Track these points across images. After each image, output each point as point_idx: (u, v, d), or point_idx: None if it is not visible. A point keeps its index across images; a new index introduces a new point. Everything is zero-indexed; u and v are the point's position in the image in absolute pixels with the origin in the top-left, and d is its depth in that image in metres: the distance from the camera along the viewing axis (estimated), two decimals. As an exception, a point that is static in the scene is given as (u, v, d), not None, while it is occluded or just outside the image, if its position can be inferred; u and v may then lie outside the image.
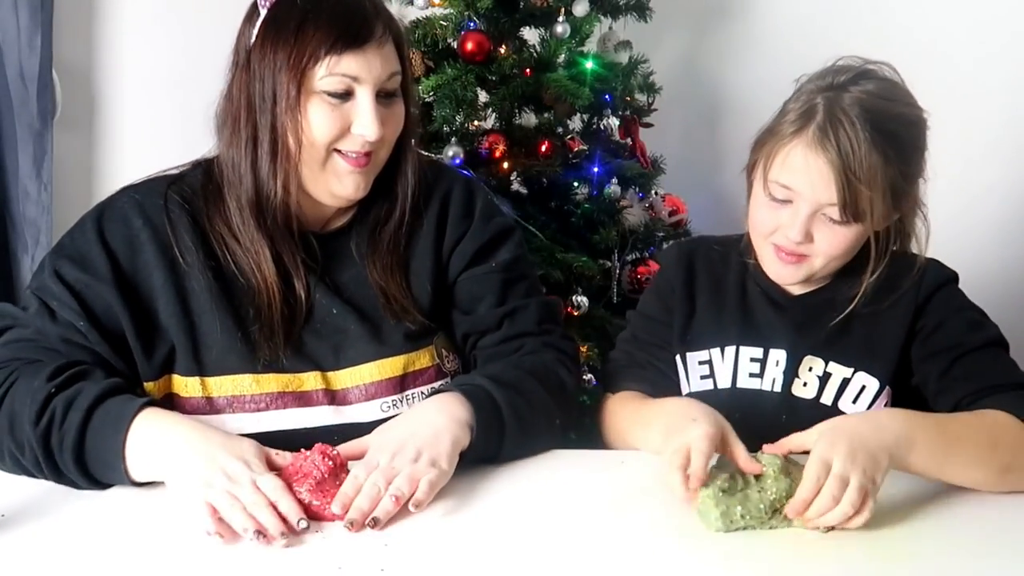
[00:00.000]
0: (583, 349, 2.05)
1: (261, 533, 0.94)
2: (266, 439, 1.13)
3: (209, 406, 1.17)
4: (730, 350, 1.28)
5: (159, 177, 1.23)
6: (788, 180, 1.17)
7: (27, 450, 1.05)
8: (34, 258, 2.11)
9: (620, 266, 2.13)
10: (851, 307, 1.23)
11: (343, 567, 0.92)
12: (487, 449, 1.12)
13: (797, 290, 1.28)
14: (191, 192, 1.21)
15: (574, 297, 2.03)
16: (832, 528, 0.97)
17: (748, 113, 2.43)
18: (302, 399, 1.19)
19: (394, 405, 1.22)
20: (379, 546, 0.96)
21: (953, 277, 1.27)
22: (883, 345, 1.23)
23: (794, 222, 1.17)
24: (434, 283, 1.27)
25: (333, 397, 1.20)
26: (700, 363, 1.30)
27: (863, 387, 1.23)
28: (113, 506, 1.04)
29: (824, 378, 1.24)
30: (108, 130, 2.28)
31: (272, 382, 1.18)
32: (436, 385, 1.24)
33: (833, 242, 1.18)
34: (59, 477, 1.05)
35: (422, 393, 1.23)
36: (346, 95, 1.14)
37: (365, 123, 1.14)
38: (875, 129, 1.13)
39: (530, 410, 1.16)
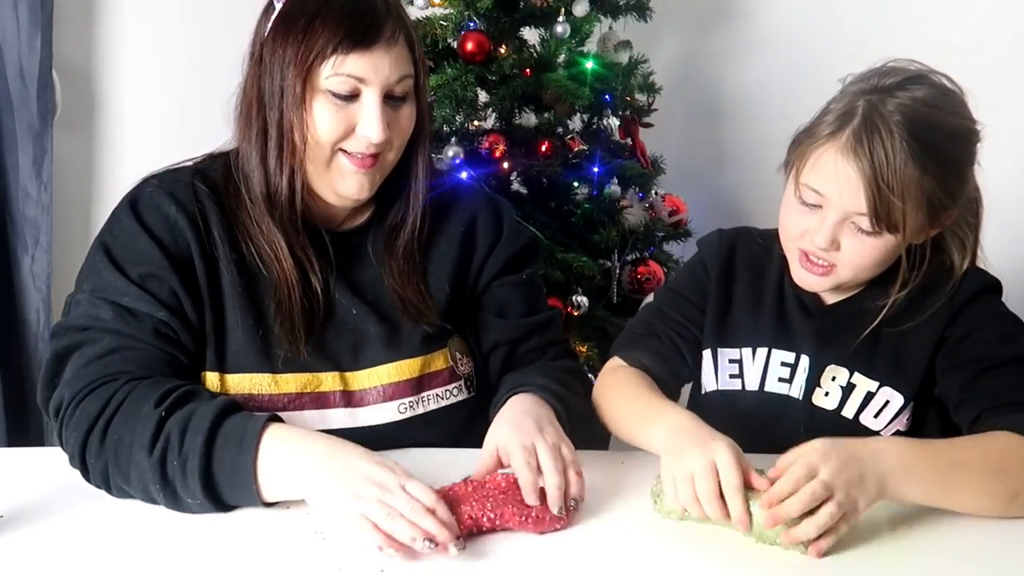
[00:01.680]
0: (583, 349, 2.05)
1: (431, 540, 0.91)
2: None
3: None
4: (762, 352, 1.26)
5: (182, 168, 1.22)
6: (818, 184, 1.12)
7: (135, 479, 1.02)
8: (34, 258, 2.11)
9: (620, 266, 2.13)
10: (878, 320, 1.18)
11: (343, 568, 0.92)
12: None
13: (830, 298, 1.24)
14: (214, 184, 1.20)
15: (574, 297, 2.03)
16: (794, 543, 0.94)
17: (748, 113, 2.48)
18: (319, 400, 1.19)
19: (411, 407, 1.22)
20: (379, 547, 0.95)
21: (993, 285, 1.20)
22: (912, 360, 1.19)
23: (821, 228, 1.12)
24: (454, 287, 1.27)
25: (350, 399, 1.20)
26: (731, 361, 1.28)
27: (887, 402, 1.19)
28: (113, 507, 1.04)
29: (848, 389, 1.21)
30: (108, 130, 2.27)
31: (291, 382, 1.18)
32: (451, 387, 1.25)
33: (860, 252, 1.13)
34: (176, 503, 1.02)
35: (437, 395, 1.24)
36: (352, 96, 1.13)
37: (370, 125, 1.12)
38: (914, 138, 1.07)
39: (579, 409, 1.22)
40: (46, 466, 1.12)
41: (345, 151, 1.15)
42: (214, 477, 1.00)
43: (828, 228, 1.12)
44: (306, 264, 1.18)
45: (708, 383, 1.31)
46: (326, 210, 1.22)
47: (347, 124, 1.13)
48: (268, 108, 1.14)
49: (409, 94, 1.17)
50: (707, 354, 1.30)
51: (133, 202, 1.17)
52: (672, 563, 0.96)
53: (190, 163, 1.24)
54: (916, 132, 1.07)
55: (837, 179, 1.10)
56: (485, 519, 0.97)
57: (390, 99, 1.15)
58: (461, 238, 1.28)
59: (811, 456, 0.96)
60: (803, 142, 1.15)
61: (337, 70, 1.11)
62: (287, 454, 1.00)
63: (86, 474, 1.06)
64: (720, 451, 0.99)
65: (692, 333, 1.31)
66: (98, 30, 2.24)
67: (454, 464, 1.16)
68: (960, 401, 1.14)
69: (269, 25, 1.15)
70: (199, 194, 1.18)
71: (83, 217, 2.21)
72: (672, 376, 1.29)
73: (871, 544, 0.99)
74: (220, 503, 1.01)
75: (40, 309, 2.13)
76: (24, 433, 2.15)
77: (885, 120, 1.08)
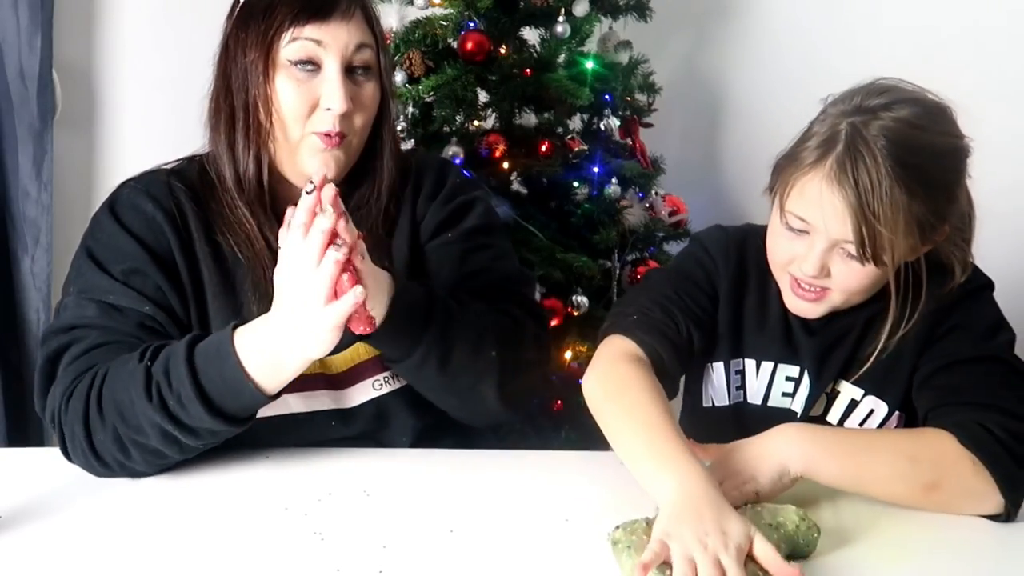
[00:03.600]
0: (583, 349, 2.05)
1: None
2: (266, 424, 1.15)
3: None
4: (767, 366, 1.24)
5: (157, 170, 1.25)
6: (804, 213, 1.09)
7: (148, 429, 1.05)
8: (34, 258, 2.11)
9: (620, 266, 2.12)
10: (882, 341, 1.15)
11: (341, 569, 0.92)
12: (408, 324, 1.10)
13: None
14: (190, 183, 1.23)
15: (574, 297, 2.03)
16: None
17: (748, 113, 2.48)
18: (302, 386, 1.19)
19: (385, 382, 1.24)
20: (378, 548, 0.96)
21: (983, 284, 1.18)
22: (898, 367, 1.17)
23: (809, 255, 1.10)
24: (411, 250, 1.28)
25: (330, 381, 1.22)
26: (736, 372, 1.26)
27: (871, 411, 1.19)
28: (111, 506, 1.05)
29: (832, 396, 1.21)
30: (108, 130, 2.27)
31: None
32: None
33: (851, 278, 1.11)
34: (193, 435, 1.05)
35: None
36: (312, 66, 1.15)
37: (332, 96, 1.14)
38: (900, 163, 1.04)
39: (461, 315, 1.14)
40: (46, 466, 1.12)
41: (313, 133, 1.16)
42: (210, 396, 1.03)
43: (817, 255, 1.09)
44: (275, 245, 1.19)
45: (720, 397, 1.27)
46: (295, 195, 1.22)
47: (310, 98, 1.15)
48: (235, 92, 1.18)
49: (371, 70, 1.19)
50: (719, 367, 1.26)
51: (112, 205, 1.21)
52: (671, 564, 0.95)
53: (166, 166, 1.26)
54: (902, 156, 1.04)
55: (823, 208, 1.07)
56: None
57: (351, 73, 1.17)
58: (411, 201, 1.29)
59: (663, 524, 0.91)
60: (786, 169, 1.11)
61: (295, 36, 1.14)
62: (259, 334, 1.03)
63: (97, 460, 1.07)
64: (728, 543, 0.88)
65: (706, 322, 1.22)
66: (98, 30, 2.23)
67: (449, 464, 1.16)
68: (917, 396, 1.14)
69: (233, 18, 1.19)
70: (175, 192, 1.21)
71: (83, 217, 2.17)
72: (679, 368, 1.20)
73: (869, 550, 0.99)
74: (230, 418, 1.04)
75: (40, 309, 2.13)
76: (24, 433, 2.15)
77: (869, 145, 1.04)
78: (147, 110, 2.26)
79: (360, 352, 1.22)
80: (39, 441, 2.16)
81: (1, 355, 2.13)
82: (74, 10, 2.18)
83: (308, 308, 0.98)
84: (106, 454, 1.07)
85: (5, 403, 2.12)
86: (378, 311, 1.06)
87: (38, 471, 1.12)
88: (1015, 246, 2.18)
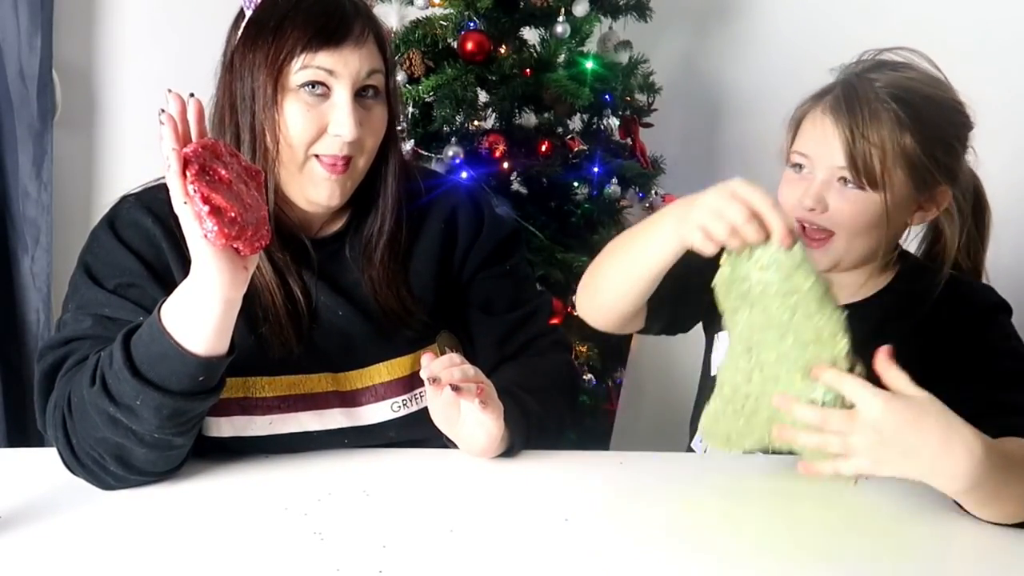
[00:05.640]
0: (583, 349, 2.05)
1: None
2: (277, 441, 1.15)
3: (221, 407, 1.15)
4: None
5: (157, 184, 1.22)
6: (804, 147, 1.17)
7: (97, 417, 1.02)
8: (34, 258, 2.12)
9: (620, 266, 2.12)
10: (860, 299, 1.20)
11: (341, 569, 0.92)
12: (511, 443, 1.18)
13: (840, 298, 1.21)
14: None
15: (574, 297, 2.03)
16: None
17: (748, 113, 2.48)
18: (314, 402, 1.19)
19: (404, 405, 1.23)
20: (378, 548, 0.96)
21: (1003, 306, 1.20)
22: (902, 362, 1.14)
23: (809, 189, 1.15)
24: (438, 282, 1.27)
25: (343, 399, 1.21)
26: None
27: None
28: (111, 507, 1.05)
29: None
30: (108, 130, 2.28)
31: (284, 385, 1.18)
32: None
33: (848, 210, 1.14)
34: (135, 418, 1.01)
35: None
36: (322, 90, 1.12)
37: (341, 122, 1.12)
38: (894, 99, 1.11)
39: (547, 419, 1.21)
40: (46, 466, 1.12)
41: (317, 156, 1.14)
42: (136, 361, 0.99)
43: (815, 187, 1.15)
44: (284, 269, 1.18)
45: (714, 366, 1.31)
46: (302, 217, 1.22)
47: (319, 124, 1.13)
48: (240, 113, 1.14)
49: (380, 94, 1.17)
50: (723, 336, 1.28)
51: (111, 220, 1.18)
52: (670, 563, 0.95)
53: (165, 180, 1.23)
54: (897, 95, 1.13)
55: (817, 135, 1.15)
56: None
57: (361, 97, 1.15)
58: (442, 233, 1.28)
59: (868, 414, 0.93)
60: (795, 115, 1.21)
61: (306, 64, 1.11)
62: (176, 291, 1.00)
63: (81, 467, 1.06)
64: (735, 183, 1.01)
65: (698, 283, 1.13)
66: (98, 30, 2.24)
67: (449, 464, 1.17)
68: (979, 414, 1.09)
69: (239, 33, 1.15)
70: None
71: (83, 217, 2.21)
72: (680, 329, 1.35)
73: (872, 546, 0.99)
74: (158, 388, 0.99)
75: (40, 309, 2.14)
76: (24, 433, 2.15)
77: (866, 84, 1.13)
78: (147, 110, 2.23)
79: (379, 373, 1.22)
80: (39, 441, 2.15)
81: (1, 355, 2.13)
82: (74, 10, 2.19)
83: (190, 242, 0.97)
84: (85, 457, 1.06)
85: (5, 403, 2.12)
86: (498, 428, 1.13)
87: (38, 471, 1.12)
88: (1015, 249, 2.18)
